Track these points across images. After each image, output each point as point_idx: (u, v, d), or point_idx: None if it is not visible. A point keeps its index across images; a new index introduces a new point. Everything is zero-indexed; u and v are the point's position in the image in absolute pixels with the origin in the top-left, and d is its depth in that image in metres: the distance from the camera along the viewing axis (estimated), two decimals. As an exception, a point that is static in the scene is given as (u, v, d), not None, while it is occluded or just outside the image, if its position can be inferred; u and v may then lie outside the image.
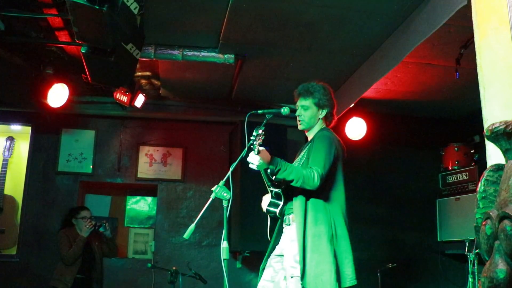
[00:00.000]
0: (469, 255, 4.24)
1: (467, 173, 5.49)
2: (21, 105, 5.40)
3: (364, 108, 5.71)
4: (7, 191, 5.87)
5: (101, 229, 4.74)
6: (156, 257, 5.51)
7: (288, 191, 2.96)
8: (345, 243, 2.85)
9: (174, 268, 4.48)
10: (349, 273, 2.82)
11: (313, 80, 3.15)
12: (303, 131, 3.18)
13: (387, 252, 5.81)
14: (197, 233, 5.74)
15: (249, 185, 4.75)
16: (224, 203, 2.61)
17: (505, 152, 1.72)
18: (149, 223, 6.14)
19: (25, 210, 5.55)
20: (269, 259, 3.02)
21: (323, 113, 3.08)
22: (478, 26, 2.54)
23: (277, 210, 2.99)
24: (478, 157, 5.55)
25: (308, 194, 2.84)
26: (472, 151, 5.65)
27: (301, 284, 2.72)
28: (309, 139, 3.12)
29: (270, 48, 4.44)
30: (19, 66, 4.61)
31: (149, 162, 5.88)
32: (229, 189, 2.62)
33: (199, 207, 5.68)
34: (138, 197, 6.23)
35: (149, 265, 4.71)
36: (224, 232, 2.58)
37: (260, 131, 2.62)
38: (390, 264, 5.20)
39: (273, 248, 3.05)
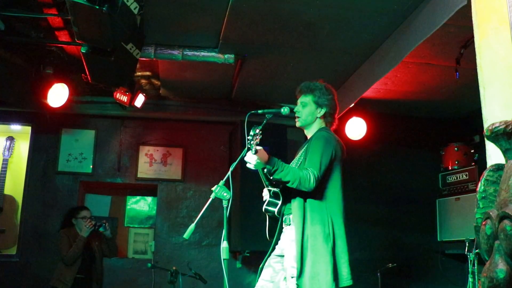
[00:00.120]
0: (469, 255, 4.24)
1: (467, 173, 5.49)
2: (21, 105, 5.40)
3: (364, 108, 5.72)
4: (7, 191, 5.88)
5: (101, 229, 4.73)
6: (156, 257, 5.51)
7: (286, 191, 2.95)
8: (342, 243, 2.85)
9: (174, 268, 4.48)
10: (345, 274, 2.81)
11: (316, 80, 3.16)
12: (303, 132, 3.18)
13: (387, 252, 5.82)
14: (197, 233, 5.74)
15: (249, 185, 4.75)
16: (224, 203, 2.61)
17: (505, 152, 1.72)
18: (149, 223, 6.14)
19: (25, 210, 5.56)
20: (268, 259, 3.01)
21: (321, 112, 3.07)
22: (478, 26, 2.54)
23: (276, 210, 2.98)
24: (478, 157, 5.55)
25: (306, 193, 2.83)
26: (472, 151, 5.65)
27: (297, 283, 2.72)
28: (308, 139, 3.11)
29: (270, 48, 4.43)
30: (19, 66, 4.61)
31: (149, 162, 5.88)
32: (229, 189, 2.62)
33: (199, 207, 5.68)
34: (138, 197, 6.23)
35: (149, 265, 4.71)
36: (224, 232, 2.58)
37: (257, 131, 2.62)
38: (390, 264, 5.21)
39: (273, 248, 3.05)
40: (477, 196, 1.80)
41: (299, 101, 3.11)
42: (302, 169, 2.81)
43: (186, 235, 2.61)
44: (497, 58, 2.38)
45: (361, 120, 5.74)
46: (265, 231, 3.11)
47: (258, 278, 2.99)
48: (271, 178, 2.82)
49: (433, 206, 5.84)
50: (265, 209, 3.05)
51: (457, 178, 5.60)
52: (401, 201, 6.01)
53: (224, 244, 2.55)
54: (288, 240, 2.92)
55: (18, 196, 5.79)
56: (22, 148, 6.13)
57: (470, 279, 4.17)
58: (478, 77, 2.49)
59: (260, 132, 2.63)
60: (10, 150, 5.93)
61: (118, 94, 5.12)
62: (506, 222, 1.55)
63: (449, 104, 5.72)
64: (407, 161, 6.16)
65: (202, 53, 4.48)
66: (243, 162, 2.75)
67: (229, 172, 2.70)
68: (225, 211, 2.61)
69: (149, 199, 6.22)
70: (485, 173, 1.80)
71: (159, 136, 5.98)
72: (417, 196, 6.00)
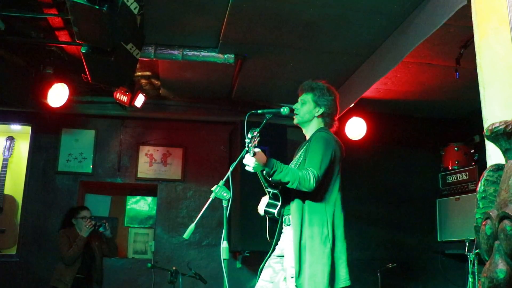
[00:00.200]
0: (469, 255, 4.24)
1: (467, 173, 5.49)
2: (21, 105, 5.37)
3: (364, 108, 5.72)
4: (7, 191, 5.88)
5: (101, 229, 4.73)
6: (156, 257, 5.52)
7: (286, 192, 2.95)
8: (341, 244, 2.85)
9: (174, 268, 4.49)
10: (343, 274, 2.81)
11: (319, 80, 3.16)
12: (303, 132, 3.18)
13: (387, 252, 5.82)
14: (197, 233, 5.74)
15: (249, 185, 4.74)
16: (224, 203, 2.61)
17: (505, 152, 1.72)
18: (149, 223, 6.14)
19: (25, 210, 5.55)
20: (268, 260, 3.01)
21: (319, 111, 3.06)
22: (478, 26, 2.54)
23: (275, 211, 2.98)
24: (478, 157, 5.55)
25: (305, 195, 2.83)
26: (472, 151, 5.65)
27: (295, 284, 2.72)
28: (307, 139, 3.11)
29: (270, 48, 4.43)
30: (19, 66, 4.61)
31: (149, 162, 5.88)
32: (229, 189, 2.62)
33: (199, 207, 5.68)
34: (138, 197, 6.23)
35: (149, 265, 4.72)
36: (224, 232, 2.58)
37: (255, 133, 2.60)
38: (390, 264, 5.21)
39: (274, 249, 3.05)
40: (477, 196, 1.80)
41: (299, 98, 3.13)
42: (301, 169, 2.80)
43: (186, 235, 2.61)
44: (497, 58, 2.38)
45: (361, 120, 5.73)
46: (265, 232, 3.11)
47: (258, 278, 2.99)
48: (271, 179, 2.82)
49: (433, 206, 5.84)
50: (265, 210, 3.05)
51: (457, 178, 5.61)
52: (401, 201, 6.01)
53: (224, 244, 2.55)
54: (288, 240, 2.92)
55: (18, 196, 5.79)
56: (22, 148, 6.13)
57: (470, 279, 4.17)
58: (478, 77, 2.49)
59: (258, 134, 2.62)
60: (10, 150, 5.93)
61: (118, 94, 5.12)
62: (506, 222, 1.55)
63: (449, 104, 5.72)
64: (407, 161, 6.16)
65: (202, 53, 4.48)
66: (242, 163, 2.75)
67: (229, 172, 2.69)
68: (225, 211, 2.61)
69: (149, 199, 6.22)
70: (485, 173, 1.80)
71: (159, 136, 5.97)
72: (417, 196, 6.01)
